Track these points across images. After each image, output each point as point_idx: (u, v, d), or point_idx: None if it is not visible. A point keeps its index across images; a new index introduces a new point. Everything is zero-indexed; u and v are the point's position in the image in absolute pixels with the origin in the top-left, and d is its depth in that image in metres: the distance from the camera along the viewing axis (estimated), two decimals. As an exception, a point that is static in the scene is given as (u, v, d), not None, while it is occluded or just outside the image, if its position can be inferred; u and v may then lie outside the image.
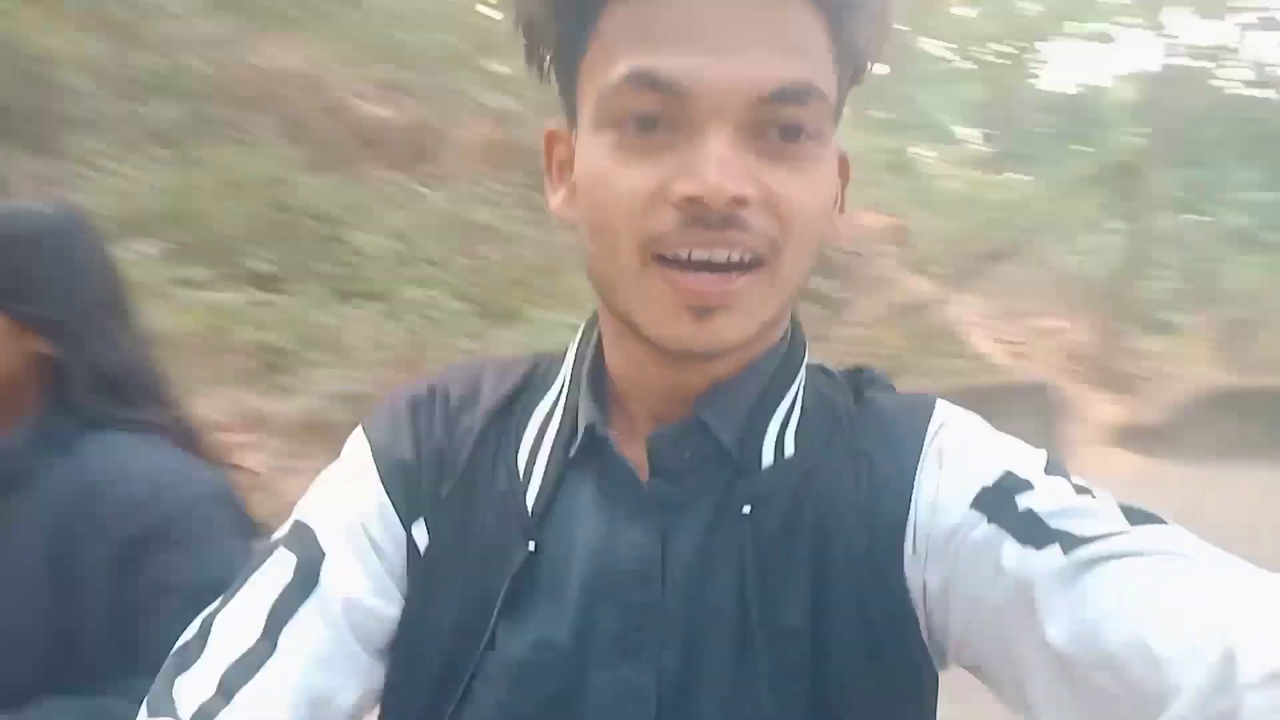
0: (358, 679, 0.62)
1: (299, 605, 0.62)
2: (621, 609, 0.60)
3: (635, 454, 0.63)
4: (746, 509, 0.60)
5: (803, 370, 0.66)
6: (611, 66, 0.55)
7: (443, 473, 0.66)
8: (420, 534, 0.65)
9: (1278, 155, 13.10)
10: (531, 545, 0.62)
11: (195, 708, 0.57)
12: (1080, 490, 0.57)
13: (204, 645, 0.60)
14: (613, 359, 0.67)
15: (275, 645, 0.60)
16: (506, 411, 0.68)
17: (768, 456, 0.62)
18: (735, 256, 0.55)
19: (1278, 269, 13.21)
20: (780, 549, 0.60)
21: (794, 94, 0.55)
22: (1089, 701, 0.49)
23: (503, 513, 0.64)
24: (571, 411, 0.66)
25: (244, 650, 0.59)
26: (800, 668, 0.58)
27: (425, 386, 0.71)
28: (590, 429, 0.64)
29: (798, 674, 0.58)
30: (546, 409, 0.68)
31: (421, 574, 0.65)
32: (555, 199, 0.64)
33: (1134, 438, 8.94)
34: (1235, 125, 13.56)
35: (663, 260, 0.55)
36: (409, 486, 0.66)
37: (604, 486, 0.63)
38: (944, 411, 0.65)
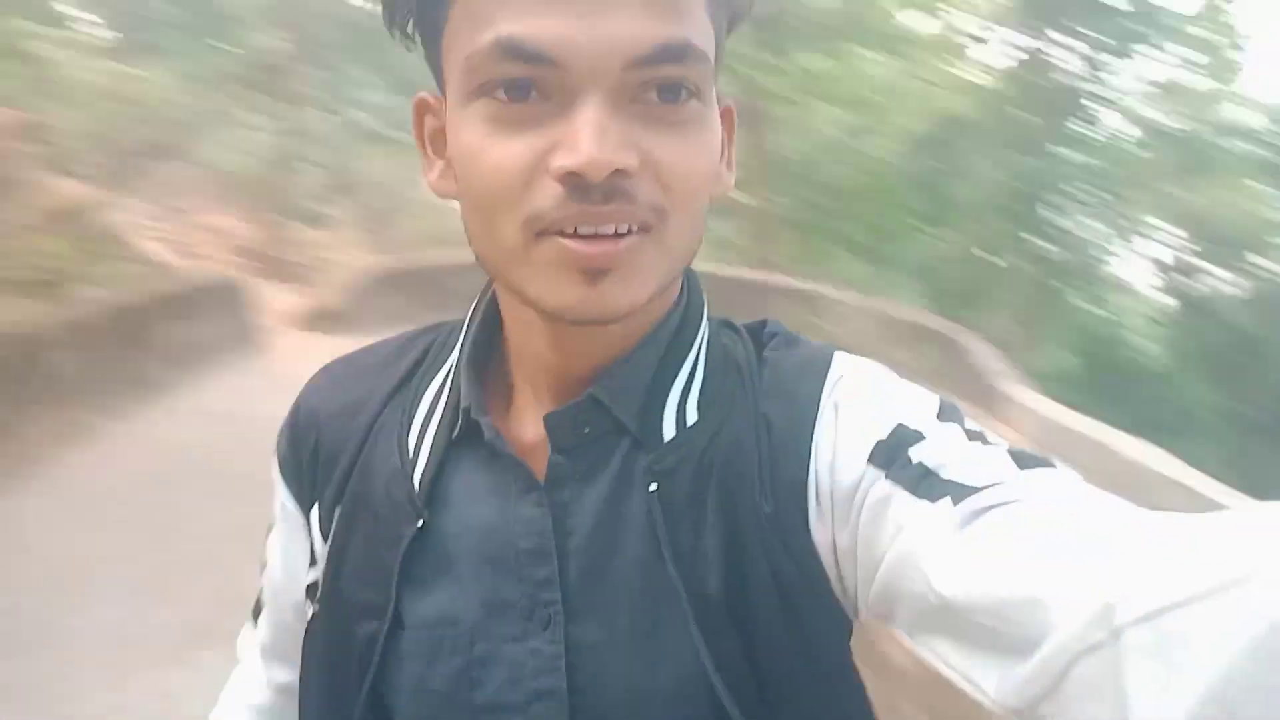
0: None
1: (262, 609, 0.80)
2: (523, 583, 0.61)
3: (535, 429, 0.64)
4: (652, 487, 0.60)
5: (702, 332, 0.66)
6: (477, 34, 0.53)
7: (337, 463, 0.68)
8: (319, 521, 0.69)
9: (391, 60, 14.80)
10: (420, 523, 0.63)
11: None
12: (972, 436, 0.57)
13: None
14: (511, 332, 0.66)
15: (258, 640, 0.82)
16: (404, 388, 0.70)
17: (669, 429, 0.62)
18: (622, 229, 0.53)
19: (401, 161, 15.18)
20: (689, 517, 0.60)
21: (670, 54, 0.52)
22: (973, 646, 0.49)
23: (393, 492, 0.65)
24: (457, 391, 0.66)
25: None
26: (721, 633, 0.58)
27: (312, 386, 0.74)
28: (467, 411, 0.64)
29: (719, 638, 0.58)
30: (437, 386, 0.68)
31: (330, 559, 0.68)
32: (432, 174, 0.62)
33: (318, 321, 9.71)
34: (355, 31, 14.91)
35: (546, 235, 0.54)
36: (303, 483, 0.71)
37: (492, 465, 0.64)
38: (840, 365, 0.64)
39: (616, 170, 0.51)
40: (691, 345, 0.65)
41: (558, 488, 0.62)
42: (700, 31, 0.54)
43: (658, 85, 0.53)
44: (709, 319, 0.68)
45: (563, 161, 0.51)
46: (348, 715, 0.64)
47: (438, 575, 0.63)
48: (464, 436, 0.64)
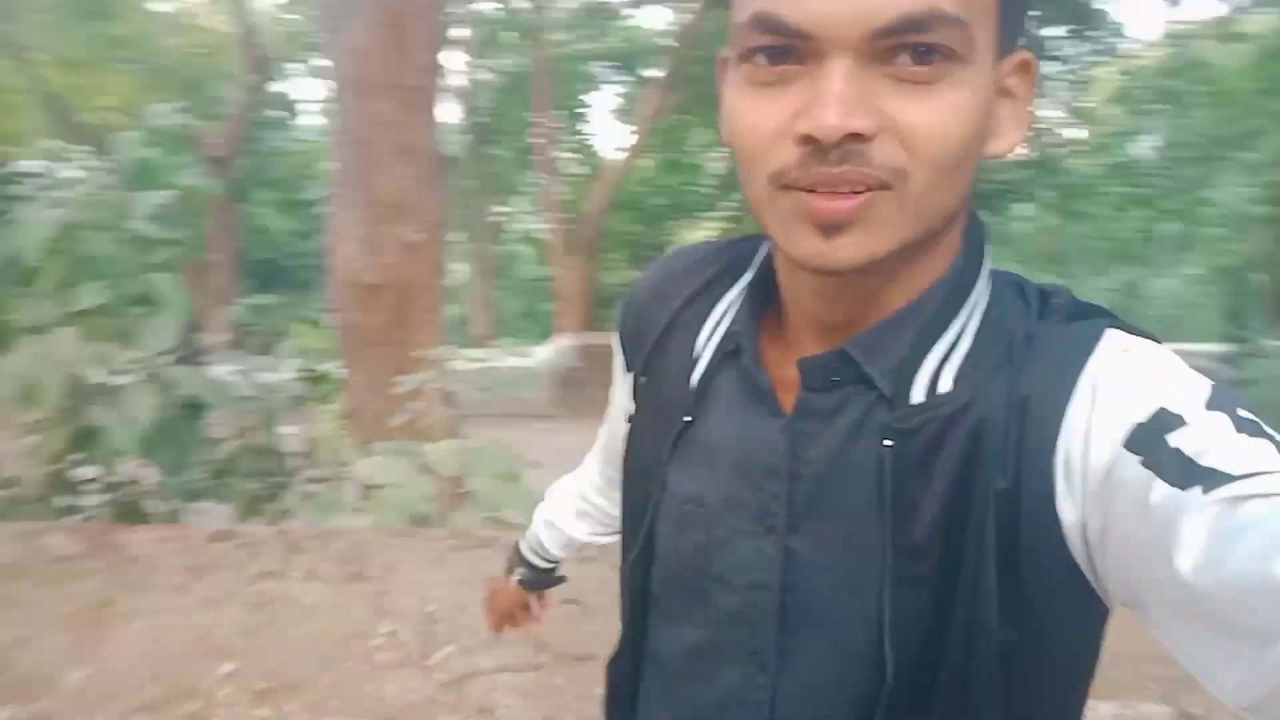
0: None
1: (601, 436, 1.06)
2: (757, 491, 0.69)
3: (791, 362, 0.69)
4: (887, 441, 0.63)
5: (974, 298, 0.66)
6: (743, 7, 0.59)
7: (646, 342, 0.79)
8: (631, 385, 0.82)
9: None
10: (688, 418, 0.73)
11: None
12: (1242, 426, 0.55)
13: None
14: (780, 273, 0.72)
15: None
16: (703, 294, 0.78)
17: (918, 393, 0.64)
18: (858, 189, 0.57)
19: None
20: (915, 477, 0.62)
21: (913, 24, 0.54)
22: (1216, 637, 0.50)
23: (676, 384, 0.75)
24: (740, 313, 0.74)
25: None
26: (911, 589, 0.62)
27: (647, 270, 0.85)
28: (738, 336, 0.72)
29: (907, 591, 0.62)
30: (727, 303, 0.76)
31: (633, 420, 0.82)
32: (724, 127, 0.65)
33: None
34: None
35: (789, 189, 0.59)
36: (625, 350, 0.84)
37: (750, 386, 0.71)
38: (1109, 344, 0.62)
39: (850, 134, 0.54)
40: (959, 311, 0.65)
41: (802, 419, 0.67)
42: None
43: (909, 48, 0.55)
44: (995, 277, 0.68)
45: (800, 125, 0.56)
46: (633, 559, 0.78)
47: (696, 462, 0.73)
48: (734, 355, 0.73)
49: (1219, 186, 22.69)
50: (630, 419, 0.82)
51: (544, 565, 1.18)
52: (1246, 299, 22.26)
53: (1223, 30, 19.57)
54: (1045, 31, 15.11)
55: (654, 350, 0.79)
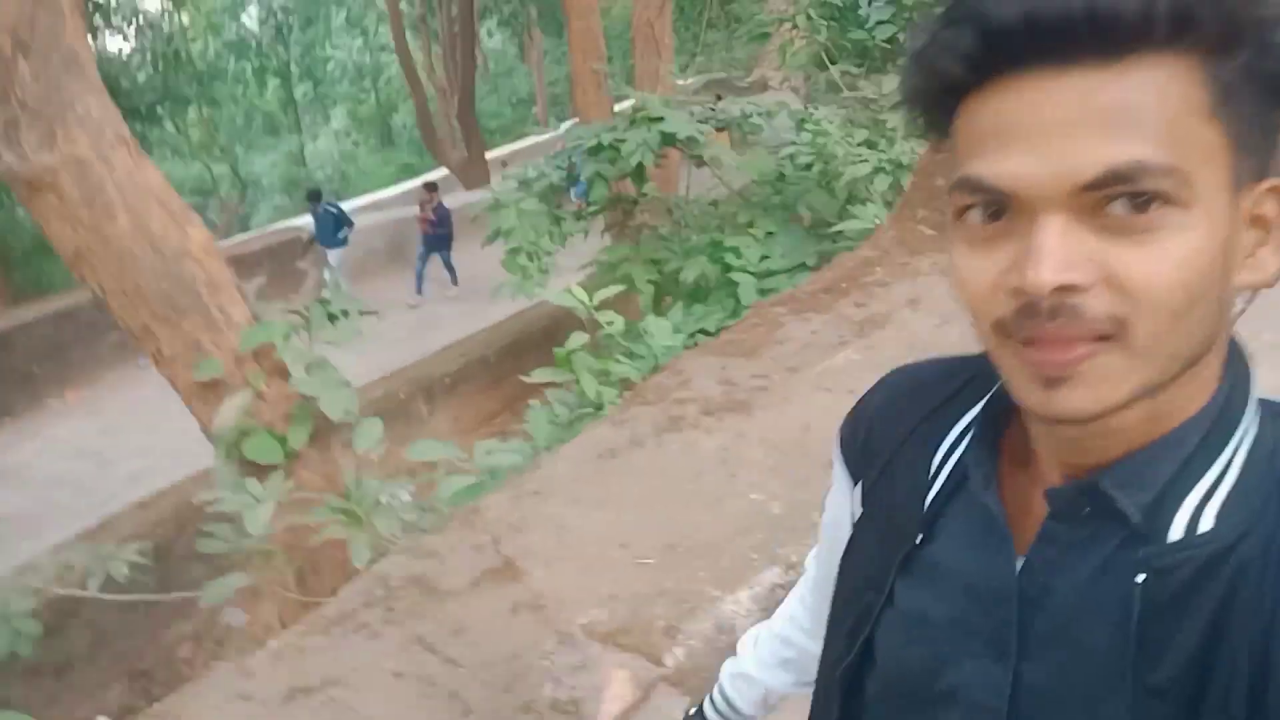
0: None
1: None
2: (987, 616, 0.67)
3: (1039, 490, 0.67)
4: (1140, 578, 0.61)
5: (1241, 431, 0.63)
6: (956, 167, 0.59)
7: (878, 456, 0.79)
8: (860, 496, 0.81)
9: None
10: (918, 539, 0.73)
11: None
12: None
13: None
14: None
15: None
16: (939, 412, 0.77)
17: (1176, 531, 0.61)
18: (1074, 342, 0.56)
19: None
20: (1167, 619, 0.60)
21: (1119, 177, 0.53)
22: None
23: (908, 502, 0.75)
24: (974, 439, 0.73)
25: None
26: None
27: (879, 385, 0.84)
28: (967, 465, 0.72)
29: None
30: (964, 425, 0.75)
31: (856, 531, 0.81)
32: (951, 279, 0.65)
33: None
34: None
35: (1009, 340, 0.59)
36: (852, 462, 0.83)
37: (986, 513, 0.69)
38: None
39: (1060, 288, 0.54)
40: (1225, 446, 0.62)
41: (1047, 547, 0.65)
42: (1166, 138, 0.53)
43: (1121, 198, 0.54)
44: (1265, 408, 0.65)
45: (1010, 280, 0.56)
46: (843, 663, 0.78)
47: (923, 581, 0.73)
48: (967, 481, 0.72)
49: (333, 45, 24.26)
50: (855, 524, 0.83)
51: None
52: (398, 137, 24.94)
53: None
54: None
55: (886, 466, 0.79)
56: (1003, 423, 0.73)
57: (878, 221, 5.30)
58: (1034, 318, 0.55)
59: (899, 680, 0.74)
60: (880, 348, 2.71)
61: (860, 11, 7.24)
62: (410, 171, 20.18)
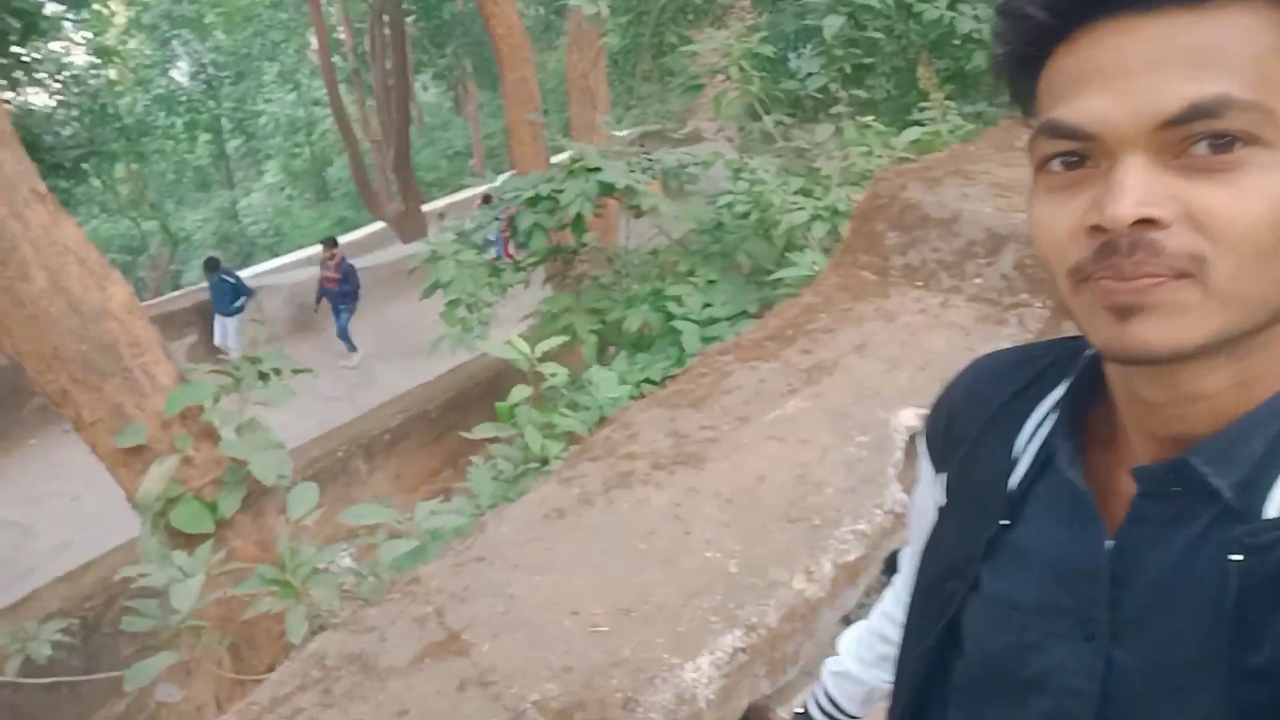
0: None
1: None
2: (1077, 598, 0.66)
3: (1127, 469, 0.66)
4: (1236, 556, 0.58)
5: None
6: (1037, 119, 0.61)
7: (961, 443, 0.79)
8: (944, 486, 0.81)
9: None
10: (1005, 521, 0.72)
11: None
12: None
13: None
14: (1109, 376, 0.69)
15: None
16: (1020, 396, 0.76)
17: (1273, 508, 0.59)
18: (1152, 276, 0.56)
19: None
20: (1266, 597, 0.57)
21: (1202, 112, 0.53)
22: None
23: (992, 486, 0.74)
24: (1060, 423, 0.72)
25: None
26: (1260, 709, 0.57)
27: (962, 373, 0.83)
28: (1053, 444, 0.71)
29: (1256, 713, 0.57)
30: (1047, 408, 0.75)
31: (940, 519, 0.81)
32: (1029, 234, 0.64)
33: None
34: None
35: (1086, 281, 0.59)
36: (937, 452, 0.83)
37: (1073, 493, 0.69)
38: None
39: (1140, 221, 0.54)
40: None
41: (1137, 526, 0.65)
42: (1251, 76, 0.53)
43: (1204, 138, 0.54)
44: None
45: (1089, 218, 0.56)
46: (924, 647, 0.78)
47: (1010, 564, 0.72)
48: (1053, 461, 0.72)
49: (265, 99, 24.05)
50: (940, 510, 0.83)
51: None
52: (333, 191, 24.69)
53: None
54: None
55: (969, 452, 0.79)
56: (1087, 404, 0.72)
57: (816, 268, 5.34)
58: (1113, 255, 0.55)
59: (986, 667, 0.73)
60: (829, 394, 2.68)
61: (790, 63, 7.37)
62: (346, 225, 19.96)
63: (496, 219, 6.62)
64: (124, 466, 3.59)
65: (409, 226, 15.42)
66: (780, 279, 5.32)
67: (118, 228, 21.32)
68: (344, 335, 11.32)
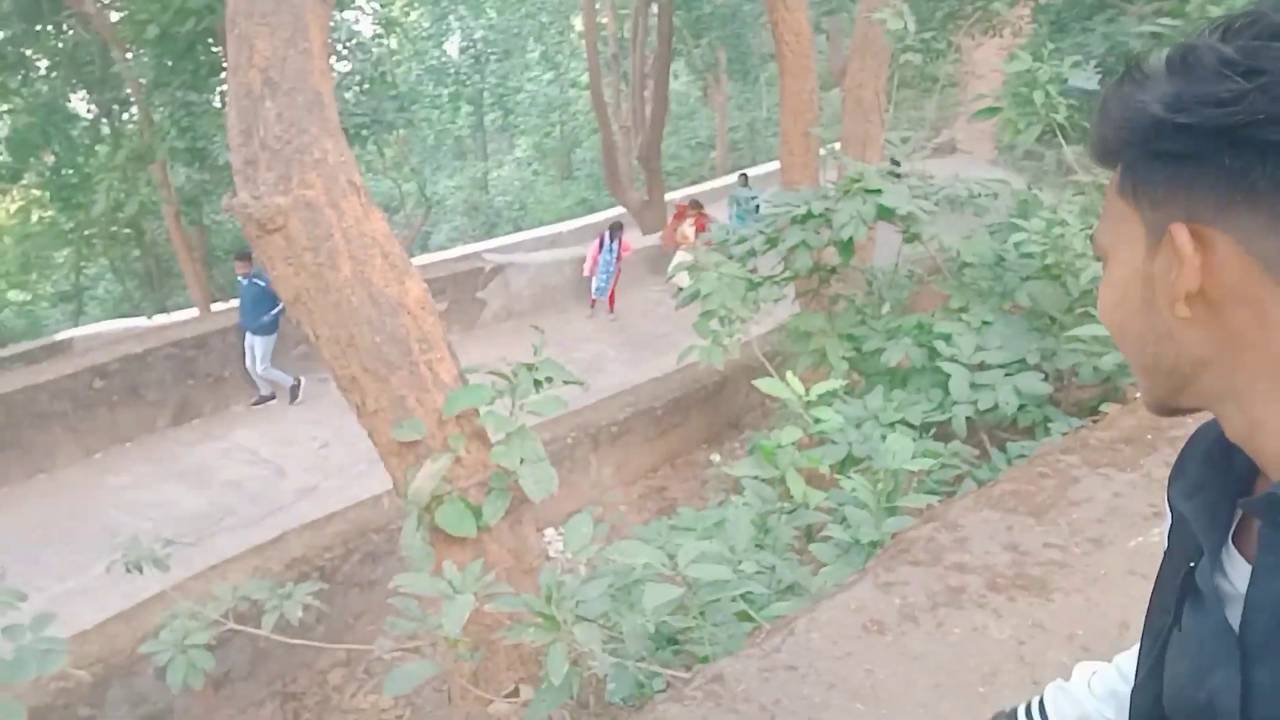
0: None
1: None
2: (1223, 623, 0.72)
3: None
4: None
5: None
6: None
7: (1178, 492, 0.84)
8: (1166, 535, 0.89)
9: None
10: (1191, 564, 0.78)
11: None
12: None
13: None
14: None
15: None
16: (1211, 454, 0.81)
17: None
18: None
19: None
20: None
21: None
22: None
23: (1186, 532, 0.81)
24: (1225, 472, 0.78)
25: None
26: None
27: (1192, 437, 0.87)
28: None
29: None
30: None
31: (1161, 565, 0.88)
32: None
33: None
34: None
35: None
36: (1170, 498, 0.87)
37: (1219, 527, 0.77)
38: None
39: None
40: None
41: (1265, 552, 0.68)
42: (1106, 221, 0.75)
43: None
44: None
45: None
46: (1139, 682, 0.86)
47: (1197, 598, 0.77)
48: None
49: (528, 77, 25.00)
50: (1163, 557, 0.88)
51: None
52: (577, 171, 25.44)
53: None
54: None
55: (1187, 495, 0.83)
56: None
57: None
58: None
59: (1174, 695, 0.79)
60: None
61: (1075, 83, 6.67)
62: (587, 206, 20.44)
63: (762, 233, 6.38)
64: (396, 456, 3.64)
65: (650, 216, 15.51)
66: (1075, 335, 4.78)
67: (379, 187, 22.81)
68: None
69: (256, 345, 9.12)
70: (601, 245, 11.76)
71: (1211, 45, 0.65)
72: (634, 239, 13.43)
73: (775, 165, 9.63)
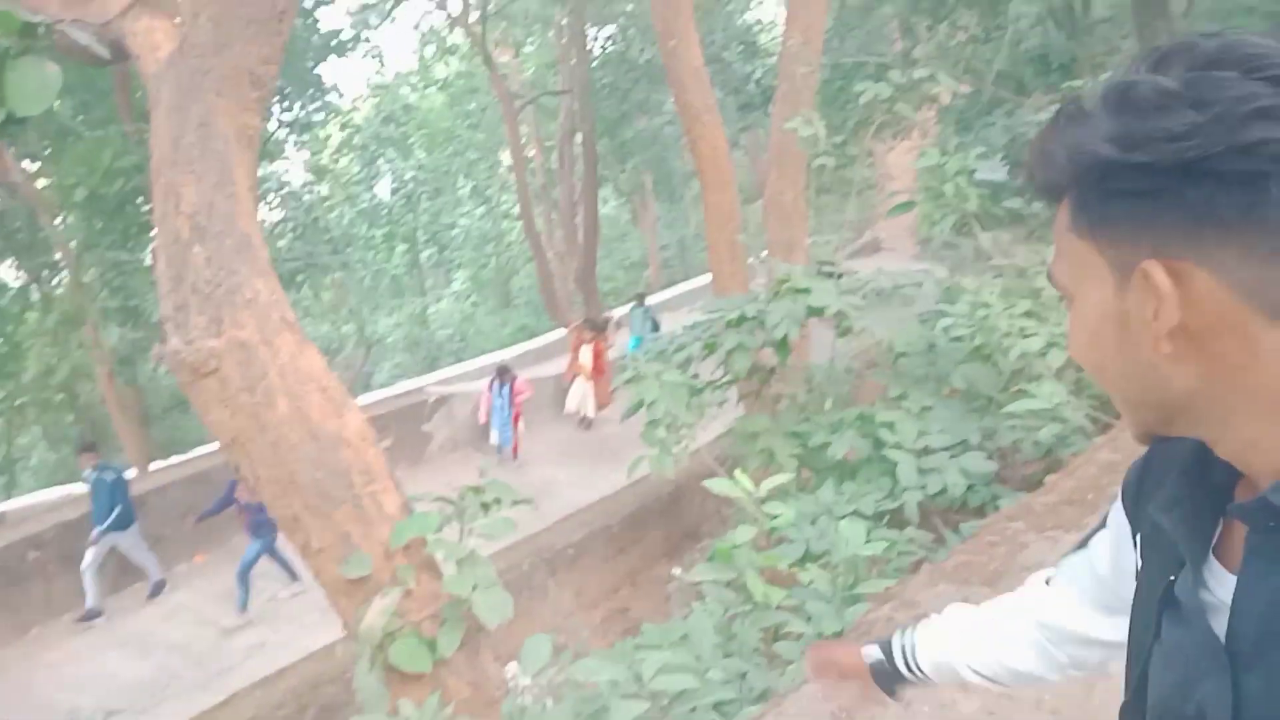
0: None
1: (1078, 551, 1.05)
2: (1204, 634, 0.73)
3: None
4: None
5: None
6: None
7: (1146, 510, 0.86)
8: (1139, 552, 0.88)
9: None
10: (1172, 578, 0.79)
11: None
12: None
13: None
14: None
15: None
16: (1188, 469, 0.81)
17: None
18: None
19: None
20: None
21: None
22: None
23: (1162, 545, 0.82)
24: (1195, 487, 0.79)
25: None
26: None
27: (1152, 449, 0.89)
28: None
29: None
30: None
31: (1137, 583, 0.87)
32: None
33: None
34: None
35: None
36: (1129, 511, 0.92)
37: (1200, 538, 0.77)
38: None
39: None
40: None
41: (1251, 559, 0.70)
42: (1063, 260, 0.74)
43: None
44: None
45: None
46: (1125, 701, 0.85)
47: (1177, 611, 0.78)
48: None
49: (460, 213, 25.49)
50: (1137, 575, 0.87)
51: (901, 671, 1.22)
52: (515, 299, 25.72)
53: (422, 78, 21.79)
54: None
55: (1159, 509, 0.83)
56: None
57: (1057, 401, 4.90)
58: None
59: (1160, 708, 0.78)
60: (1156, 580, 2.25)
61: (983, 175, 7.02)
62: (527, 332, 20.58)
63: (699, 339, 6.48)
64: (344, 595, 3.53)
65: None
66: (1011, 412, 4.89)
67: (318, 331, 22.77)
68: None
69: (121, 542, 8.37)
70: (492, 390, 11.13)
71: (1149, 79, 0.64)
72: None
73: (708, 278, 9.87)
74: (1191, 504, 0.79)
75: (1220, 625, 0.72)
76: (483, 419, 11.24)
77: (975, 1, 11.56)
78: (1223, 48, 0.63)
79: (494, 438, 11.11)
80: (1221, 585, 0.74)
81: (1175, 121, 0.61)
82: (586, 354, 11.81)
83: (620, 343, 13.08)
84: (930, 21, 12.31)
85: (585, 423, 12.28)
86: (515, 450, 11.17)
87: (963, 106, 10.88)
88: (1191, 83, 0.62)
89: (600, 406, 12.03)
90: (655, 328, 12.15)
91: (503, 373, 11.15)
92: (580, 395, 12.16)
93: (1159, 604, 0.79)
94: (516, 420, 11.09)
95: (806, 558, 4.77)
